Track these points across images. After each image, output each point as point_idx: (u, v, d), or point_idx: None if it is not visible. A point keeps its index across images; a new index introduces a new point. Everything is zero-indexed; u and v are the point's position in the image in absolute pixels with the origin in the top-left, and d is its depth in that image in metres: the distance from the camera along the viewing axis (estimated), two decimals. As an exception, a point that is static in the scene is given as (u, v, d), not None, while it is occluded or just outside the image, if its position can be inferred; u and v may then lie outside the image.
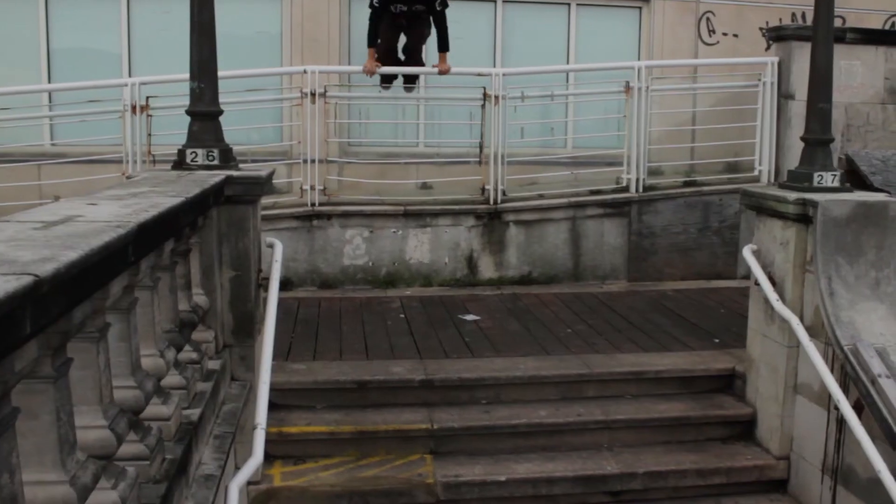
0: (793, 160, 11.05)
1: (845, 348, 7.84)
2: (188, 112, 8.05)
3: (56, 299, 3.16)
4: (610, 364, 9.89)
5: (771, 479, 9.02)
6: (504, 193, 13.60)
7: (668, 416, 9.34)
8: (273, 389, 7.46)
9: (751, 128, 14.36)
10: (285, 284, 11.82)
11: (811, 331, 8.36)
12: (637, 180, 13.99)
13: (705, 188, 14.34)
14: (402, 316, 11.64)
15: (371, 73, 13.20)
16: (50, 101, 14.68)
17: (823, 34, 8.83)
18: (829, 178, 8.75)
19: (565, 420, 9.14)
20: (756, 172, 14.33)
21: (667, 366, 9.87)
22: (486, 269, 13.69)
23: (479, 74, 13.63)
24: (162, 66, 13.30)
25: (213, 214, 7.33)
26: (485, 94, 13.40)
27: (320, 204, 13.20)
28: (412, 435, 8.85)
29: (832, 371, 7.96)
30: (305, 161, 13.20)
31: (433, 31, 13.23)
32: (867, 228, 8.28)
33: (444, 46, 13.13)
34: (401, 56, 13.65)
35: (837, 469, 8.17)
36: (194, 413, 5.78)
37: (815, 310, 8.42)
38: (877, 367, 7.56)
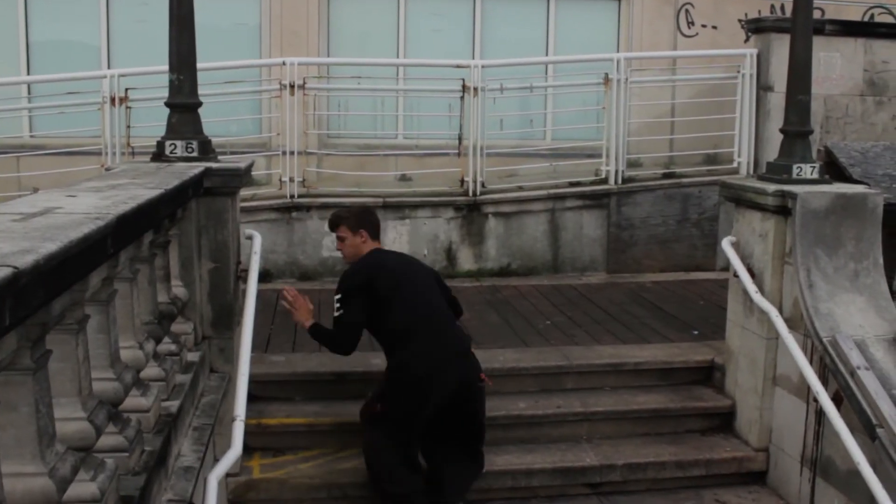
0: (772, 152, 11.07)
1: (824, 340, 7.86)
2: (167, 104, 8.03)
3: (35, 291, 3.15)
4: (589, 356, 9.90)
5: (750, 471, 9.03)
6: (483, 185, 13.61)
7: (648, 408, 9.35)
8: (252, 381, 7.45)
9: (730, 120, 14.39)
10: (264, 276, 11.80)
11: (790, 323, 8.37)
12: (616, 172, 14.01)
13: (684, 180, 14.38)
14: (382, 308, 11.62)
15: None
16: (29, 93, 14.61)
17: (802, 26, 8.84)
18: (809, 170, 8.77)
19: (544, 412, 9.13)
20: (735, 164, 14.36)
21: (646, 357, 9.88)
22: (466, 260, 13.70)
23: (458, 66, 13.62)
24: (141, 58, 13.23)
25: (192, 206, 7.32)
26: (464, 86, 13.40)
27: (299, 196, 13.19)
28: (391, 427, 8.83)
29: (811, 363, 7.97)
30: (284, 153, 13.18)
31: None
32: (846, 220, 8.30)
33: None
34: None
35: (816, 461, 8.19)
36: (173, 405, 5.78)
37: (794, 302, 8.44)
38: (856, 358, 7.58)
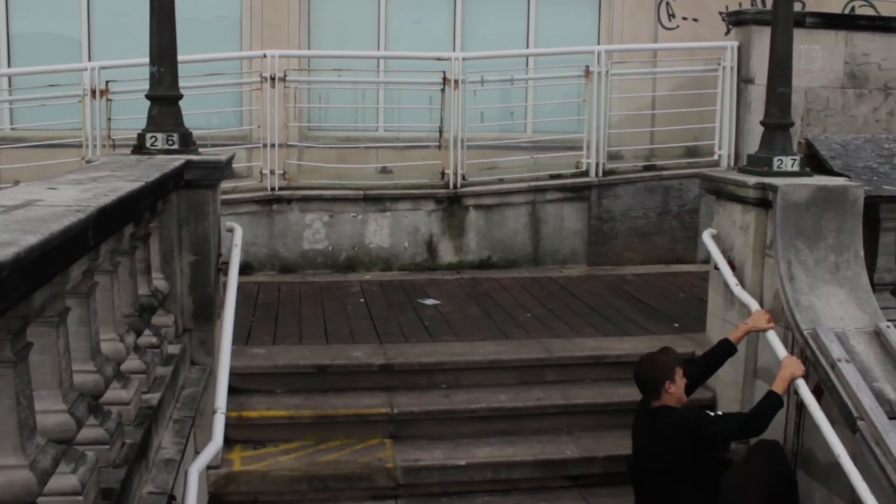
0: (752, 144, 11.10)
1: (805, 333, 7.87)
2: (148, 96, 8.02)
3: (16, 283, 3.14)
4: (570, 348, 9.90)
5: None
6: (464, 178, 13.61)
7: (629, 401, 9.27)
8: (233, 374, 7.46)
9: (710, 112, 14.42)
10: (245, 269, 11.76)
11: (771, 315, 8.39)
12: (597, 165, 14.02)
13: (665, 172, 14.39)
14: (362, 300, 11.62)
15: None
16: (10, 86, 14.59)
17: (783, 18, 8.86)
18: (789, 163, 8.78)
19: (525, 404, 9.13)
20: (716, 157, 14.39)
21: (626, 350, 9.85)
22: (446, 253, 13.69)
23: (439, 59, 13.60)
24: (122, 50, 13.19)
25: (173, 199, 7.30)
26: (444, 79, 13.39)
27: (280, 188, 13.17)
28: (372, 419, 8.82)
29: (792, 355, 7.98)
30: (265, 145, 13.16)
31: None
32: (827, 213, 8.32)
33: None
34: None
35: (797, 454, 8.20)
36: (154, 397, 5.76)
37: (775, 294, 8.45)
38: (836, 351, 7.60)
